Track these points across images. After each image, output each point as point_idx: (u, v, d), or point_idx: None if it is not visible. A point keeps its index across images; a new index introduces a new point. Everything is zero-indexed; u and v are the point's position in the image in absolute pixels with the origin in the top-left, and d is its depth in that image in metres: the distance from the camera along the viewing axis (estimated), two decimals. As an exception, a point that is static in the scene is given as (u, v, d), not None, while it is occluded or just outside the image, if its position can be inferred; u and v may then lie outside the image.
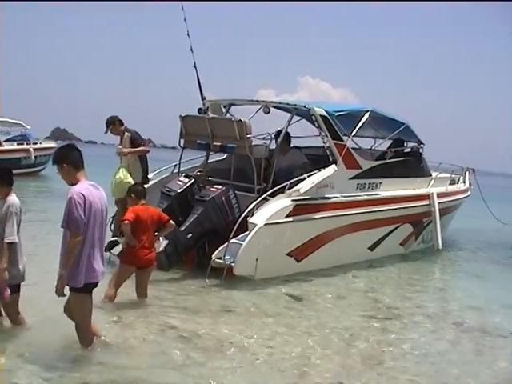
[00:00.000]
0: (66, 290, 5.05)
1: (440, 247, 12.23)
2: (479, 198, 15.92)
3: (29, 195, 19.48)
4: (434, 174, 12.94)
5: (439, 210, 12.17)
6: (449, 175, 13.84)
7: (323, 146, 12.16)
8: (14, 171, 21.53)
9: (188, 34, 9.18)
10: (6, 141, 25.36)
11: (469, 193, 14.69)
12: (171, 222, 7.33)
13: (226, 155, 10.80)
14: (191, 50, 9.18)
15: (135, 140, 9.36)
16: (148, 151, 9.57)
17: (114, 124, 9.37)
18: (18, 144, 25.87)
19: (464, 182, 14.74)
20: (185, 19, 9.22)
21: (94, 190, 5.07)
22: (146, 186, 9.88)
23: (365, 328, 6.99)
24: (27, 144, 26.10)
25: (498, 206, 18.25)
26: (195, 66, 9.30)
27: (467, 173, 15.22)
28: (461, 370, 5.87)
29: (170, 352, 5.67)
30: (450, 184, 13.79)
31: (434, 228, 12.19)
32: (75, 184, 5.02)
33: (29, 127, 27.34)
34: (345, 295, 8.49)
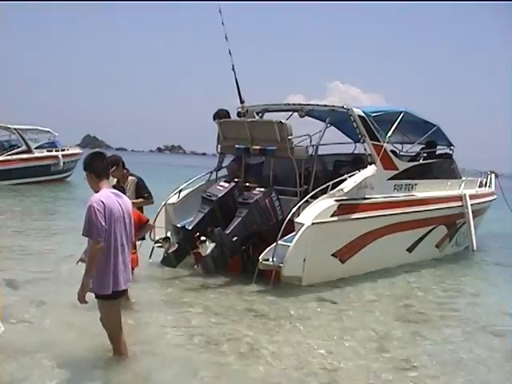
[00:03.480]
0: (88, 297, 5.01)
1: (475, 248, 12.17)
2: (503, 202, 15.83)
3: (56, 201, 19.76)
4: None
5: (471, 211, 12.14)
6: (477, 178, 13.83)
7: (351, 154, 12.34)
8: (45, 178, 21.79)
9: (226, 37, 9.24)
10: (36, 148, 25.86)
11: (495, 196, 14.68)
12: (150, 223, 7.27)
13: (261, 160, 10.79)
14: (229, 53, 9.22)
15: (140, 188, 8.24)
16: (152, 203, 8.50)
17: (117, 165, 7.85)
18: (47, 151, 26.33)
19: (490, 186, 14.73)
20: (222, 23, 9.28)
21: (114, 197, 5.07)
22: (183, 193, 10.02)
23: (397, 333, 6.90)
24: (56, 151, 26.58)
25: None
26: (233, 69, 9.33)
27: (491, 176, 15.21)
28: (494, 375, 5.79)
29: (199, 358, 5.67)
30: (479, 187, 13.78)
31: (468, 229, 12.15)
32: (97, 192, 5.05)
33: (57, 134, 27.83)
34: (377, 299, 8.42)
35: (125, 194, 6.13)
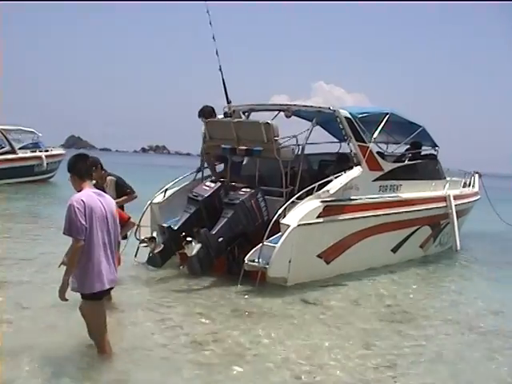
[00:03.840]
0: (70, 296, 5.07)
1: (459, 248, 12.29)
2: (487, 202, 15.98)
3: (40, 201, 19.64)
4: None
5: (455, 212, 12.24)
6: (461, 179, 13.95)
7: (336, 153, 12.39)
8: (28, 178, 21.74)
9: (213, 38, 9.22)
10: (20, 149, 25.93)
11: (479, 196, 14.80)
12: (132, 220, 7.23)
13: (245, 160, 10.81)
14: (216, 53, 9.20)
15: (121, 186, 8.29)
16: (136, 197, 8.49)
17: (96, 167, 7.63)
18: (31, 152, 26.38)
19: (473, 186, 14.85)
20: (210, 23, 9.26)
21: (96, 196, 5.15)
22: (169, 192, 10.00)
23: (380, 332, 6.95)
24: (39, 151, 26.66)
25: (505, 207, 18.31)
26: (221, 70, 9.31)
27: (475, 176, 15.34)
28: (478, 374, 5.85)
29: (183, 358, 5.69)
30: (463, 187, 13.89)
31: (451, 229, 12.26)
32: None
33: (40, 135, 27.94)
34: (361, 299, 8.45)
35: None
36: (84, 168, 5.24)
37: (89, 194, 5.08)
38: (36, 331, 6.07)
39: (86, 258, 4.97)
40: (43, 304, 6.84)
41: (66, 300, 5.04)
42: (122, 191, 8.23)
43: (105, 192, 6.07)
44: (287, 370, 5.53)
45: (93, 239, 4.99)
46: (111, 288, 5.39)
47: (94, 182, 7.40)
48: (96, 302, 5.15)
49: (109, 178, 8.18)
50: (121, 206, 7.87)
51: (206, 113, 10.03)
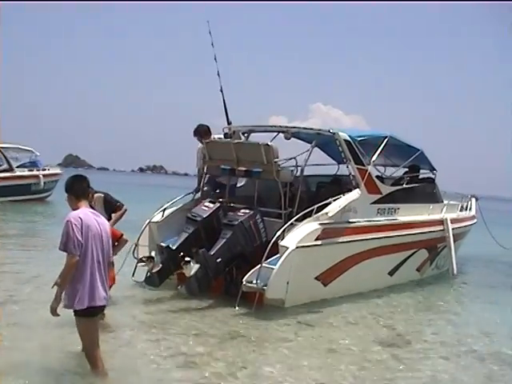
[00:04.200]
0: (62, 312, 5.14)
1: (455, 272, 12.30)
2: (483, 225, 16.03)
3: (36, 220, 19.63)
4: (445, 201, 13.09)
5: (452, 235, 12.27)
6: (458, 202, 13.99)
7: (334, 175, 12.46)
8: (25, 197, 21.66)
9: (215, 59, 9.28)
10: (18, 167, 26.05)
11: (475, 220, 14.85)
12: (124, 237, 7.21)
13: (244, 182, 10.86)
14: (218, 74, 9.27)
15: (109, 202, 8.30)
16: (126, 210, 8.45)
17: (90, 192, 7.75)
18: (28, 170, 26.49)
19: (470, 209, 14.90)
20: (212, 44, 9.34)
21: (93, 215, 5.29)
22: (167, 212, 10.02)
23: (376, 355, 6.93)
24: (37, 170, 26.78)
25: (501, 230, 18.37)
26: (222, 91, 9.37)
27: (472, 200, 15.40)
28: None
29: (176, 378, 5.70)
30: (460, 211, 13.94)
31: (448, 253, 12.27)
32: None
33: (38, 153, 28.06)
34: (358, 322, 8.45)
35: None
36: (81, 189, 5.40)
37: (85, 213, 5.21)
38: (29, 349, 6.06)
39: (79, 274, 5.05)
40: (37, 322, 6.84)
41: (58, 315, 5.13)
42: (111, 206, 8.24)
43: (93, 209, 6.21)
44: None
45: (87, 256, 5.08)
46: (104, 306, 5.41)
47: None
48: (89, 318, 5.19)
49: (96, 195, 8.09)
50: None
51: (202, 132, 10.10)
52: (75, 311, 5.12)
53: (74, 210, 5.25)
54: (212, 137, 10.21)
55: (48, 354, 5.93)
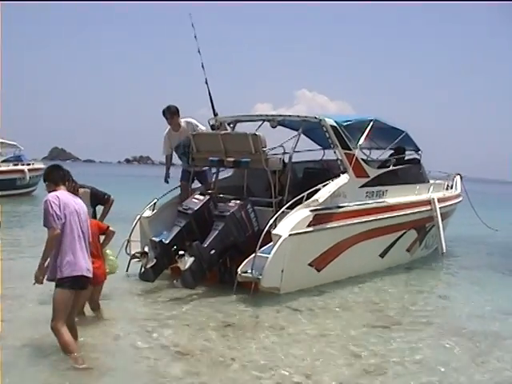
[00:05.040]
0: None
1: (444, 251, 12.44)
2: (470, 206, 16.18)
3: (23, 216, 19.56)
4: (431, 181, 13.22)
5: (440, 214, 12.41)
6: (444, 181, 14.13)
7: (320, 160, 12.53)
8: (11, 192, 21.52)
9: (199, 51, 9.25)
10: (2, 162, 26.21)
11: (461, 198, 15.01)
12: (111, 229, 7.22)
13: (231, 172, 10.89)
14: (202, 66, 9.25)
15: (96, 195, 8.10)
16: (113, 200, 8.29)
17: (67, 180, 7.20)
18: (13, 165, 26.59)
19: (456, 188, 15.06)
20: (195, 36, 9.30)
21: (70, 196, 5.73)
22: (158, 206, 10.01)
23: (368, 338, 7.00)
24: (22, 165, 26.91)
25: (488, 212, 18.61)
26: (207, 83, 9.35)
27: (457, 178, 15.56)
28: (464, 378, 5.90)
29: (169, 369, 5.73)
30: (446, 189, 14.09)
31: (437, 232, 12.40)
32: None
33: (22, 148, 28.34)
34: (348, 306, 8.51)
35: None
36: (58, 175, 5.80)
37: (63, 193, 5.63)
38: (19, 346, 6.03)
39: (61, 247, 5.44)
40: (27, 318, 6.87)
41: (42, 283, 5.52)
42: (99, 199, 8.13)
43: None
44: (275, 378, 5.57)
45: (66, 231, 5.46)
46: (87, 279, 5.63)
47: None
48: (68, 290, 5.45)
49: (82, 190, 7.85)
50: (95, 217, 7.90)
51: (168, 113, 9.95)
52: (58, 281, 5.44)
53: None
54: (183, 120, 10.11)
55: (33, 351, 5.91)
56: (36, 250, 10.97)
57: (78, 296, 5.69)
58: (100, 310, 7.24)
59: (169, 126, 10.15)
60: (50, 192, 5.65)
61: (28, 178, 26.66)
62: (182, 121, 10.12)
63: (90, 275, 5.68)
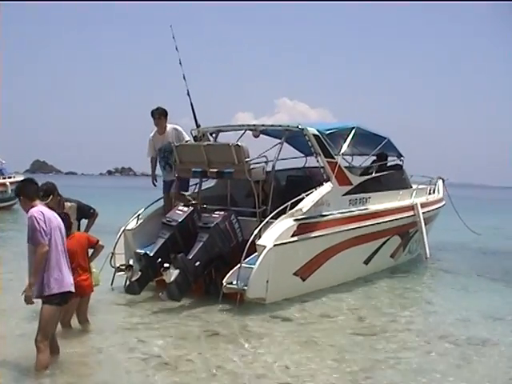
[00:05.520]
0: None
1: (428, 256, 12.52)
2: (451, 207, 16.28)
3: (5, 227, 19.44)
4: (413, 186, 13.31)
5: (423, 219, 12.50)
6: (426, 186, 14.23)
7: (303, 167, 12.57)
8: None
9: (180, 63, 9.25)
10: None
11: (444, 202, 15.12)
12: (100, 243, 7.19)
13: (214, 182, 10.89)
14: (184, 78, 9.25)
15: (83, 209, 8.04)
16: (97, 214, 8.26)
17: (53, 194, 7.51)
18: None
19: (438, 192, 15.16)
20: (176, 48, 9.29)
21: (50, 211, 5.65)
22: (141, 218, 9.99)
23: (353, 345, 7.03)
24: (3, 178, 26.95)
25: (471, 216, 18.72)
26: (188, 94, 9.36)
27: (439, 182, 15.66)
28: (446, 382, 5.95)
29: (154, 380, 5.74)
30: (428, 194, 14.18)
31: (421, 237, 12.50)
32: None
33: (4, 161, 28.14)
34: (333, 314, 8.51)
35: (70, 221, 6.67)
36: (32, 189, 5.63)
37: (44, 208, 5.58)
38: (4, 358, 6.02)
39: (47, 263, 5.40)
40: (9, 332, 6.82)
41: (33, 303, 5.46)
42: (84, 213, 8.09)
43: (69, 219, 6.72)
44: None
45: (52, 246, 5.43)
46: (72, 293, 5.68)
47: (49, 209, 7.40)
48: (56, 306, 5.49)
49: (68, 204, 7.85)
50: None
51: (156, 114, 9.98)
52: (45, 297, 5.43)
53: (28, 210, 5.49)
54: (170, 125, 10.11)
55: (19, 363, 5.88)
56: (13, 259, 10.95)
57: (62, 311, 5.74)
58: (87, 322, 7.20)
59: (154, 129, 10.16)
60: (25, 208, 5.57)
61: (10, 191, 26.38)
62: (169, 126, 10.12)
63: (73, 289, 5.72)
